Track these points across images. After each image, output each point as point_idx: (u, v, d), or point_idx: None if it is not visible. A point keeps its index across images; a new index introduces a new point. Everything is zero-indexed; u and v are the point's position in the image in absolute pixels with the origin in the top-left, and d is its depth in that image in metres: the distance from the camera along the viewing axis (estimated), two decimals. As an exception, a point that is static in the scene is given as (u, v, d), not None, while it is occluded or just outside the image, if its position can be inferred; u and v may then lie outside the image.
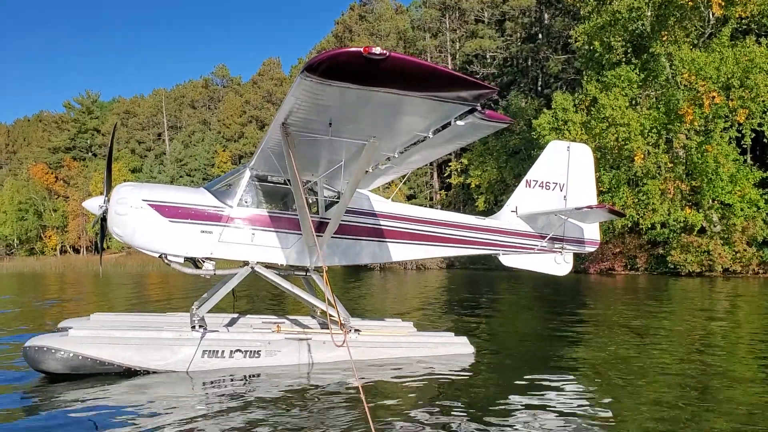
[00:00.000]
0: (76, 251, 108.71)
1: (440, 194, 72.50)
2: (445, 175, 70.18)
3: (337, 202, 11.31)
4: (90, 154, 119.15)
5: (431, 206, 67.97)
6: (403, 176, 12.70)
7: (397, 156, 9.72)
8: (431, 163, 72.23)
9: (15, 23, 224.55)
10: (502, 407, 7.90)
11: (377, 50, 6.03)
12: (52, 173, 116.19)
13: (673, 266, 39.67)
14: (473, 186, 60.89)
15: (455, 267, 57.77)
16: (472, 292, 28.89)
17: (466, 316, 17.74)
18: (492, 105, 68.02)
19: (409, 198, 67.39)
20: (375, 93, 6.87)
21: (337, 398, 8.35)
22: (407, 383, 9.30)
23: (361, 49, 6.03)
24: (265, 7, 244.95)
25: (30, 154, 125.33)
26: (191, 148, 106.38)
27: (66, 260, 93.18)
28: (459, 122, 7.66)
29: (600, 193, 41.34)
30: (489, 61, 71.65)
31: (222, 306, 11.82)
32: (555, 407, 7.88)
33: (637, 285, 32.37)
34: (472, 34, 71.91)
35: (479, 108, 7.33)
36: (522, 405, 7.99)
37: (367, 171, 10.88)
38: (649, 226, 40.38)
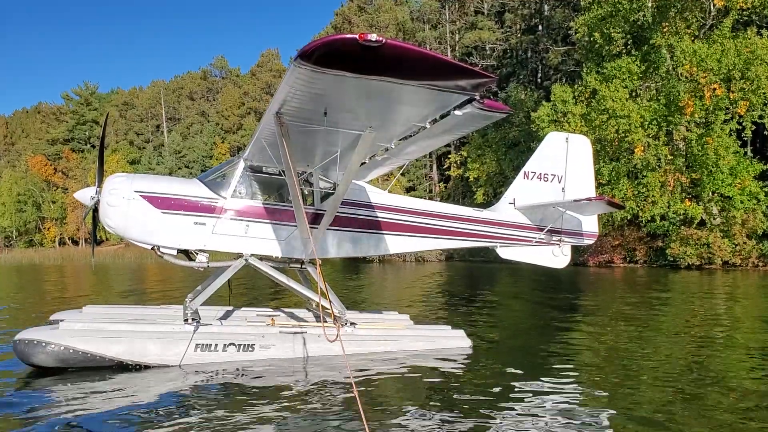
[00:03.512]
0: (75, 243, 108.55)
1: (439, 186, 72.28)
2: (444, 167, 69.94)
3: (333, 193, 11.15)
4: (88, 145, 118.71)
5: (430, 198, 67.80)
6: (401, 167, 12.50)
7: (393, 147, 9.55)
8: (430, 155, 71.98)
9: (13, 15, 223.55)
10: (500, 403, 7.75)
11: (373, 37, 5.83)
12: (50, 165, 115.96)
13: (672, 259, 39.53)
14: (472, 179, 60.65)
15: (454, 259, 57.69)
16: (470, 284, 28.80)
17: (464, 309, 17.61)
18: (491, 97, 67.77)
19: (408, 190, 67.08)
20: (371, 81, 6.67)
21: (331, 394, 8.21)
22: (403, 377, 9.16)
23: (357, 36, 5.84)
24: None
25: (28, 145, 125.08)
26: (190, 139, 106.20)
27: (65, 252, 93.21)
28: (457, 112, 7.44)
29: (600, 185, 41.14)
30: (488, 52, 71.25)
31: (217, 298, 11.67)
32: (552, 403, 7.75)
33: (636, 278, 32.24)
34: (472, 25, 71.47)
35: (478, 97, 7.13)
36: (519, 401, 7.85)
37: (363, 162, 10.72)
38: (649, 218, 40.19)
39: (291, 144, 8.72)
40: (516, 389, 8.35)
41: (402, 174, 69.31)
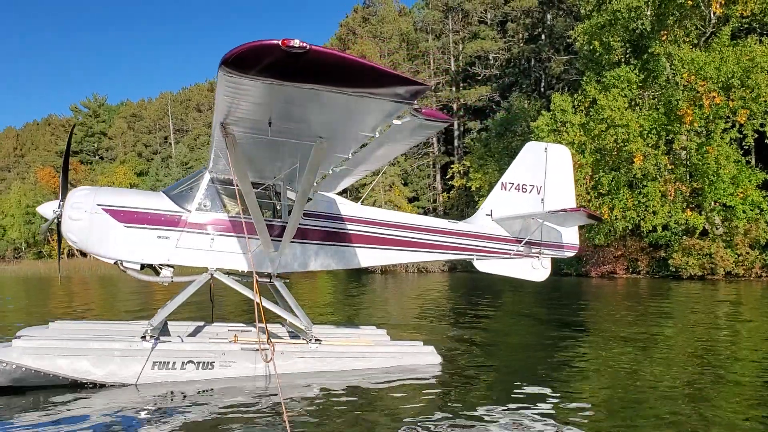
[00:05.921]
0: (84, 255, 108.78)
1: (443, 196, 71.88)
2: (448, 177, 69.55)
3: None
4: (97, 157, 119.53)
5: (434, 208, 67.47)
6: (380, 171, 12.23)
7: (351, 157, 9.28)
8: (434, 165, 71.72)
9: (24, 28, 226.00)
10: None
11: (296, 42, 5.57)
12: (59, 177, 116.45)
13: (674, 269, 38.89)
14: (474, 188, 60.15)
15: (457, 270, 57.15)
16: (471, 296, 28.24)
17: (461, 324, 17.02)
18: (495, 106, 67.58)
19: (411, 200, 66.72)
20: (303, 90, 6.41)
21: (261, 417, 7.83)
22: (354, 398, 8.81)
23: (279, 42, 5.59)
24: (270, 9, 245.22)
25: (37, 157, 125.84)
26: (197, 151, 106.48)
27: (73, 264, 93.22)
28: (396, 121, 7.21)
29: (599, 195, 40.68)
30: (491, 62, 71.07)
31: (202, 314, 11.41)
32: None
33: (638, 289, 31.70)
34: (475, 35, 71.33)
35: (415, 105, 6.85)
36: (497, 424, 7.51)
37: (326, 174, 10.49)
38: (650, 228, 39.64)
39: (239, 155, 8.48)
40: (490, 412, 7.95)
41: (405, 184, 69.20)
